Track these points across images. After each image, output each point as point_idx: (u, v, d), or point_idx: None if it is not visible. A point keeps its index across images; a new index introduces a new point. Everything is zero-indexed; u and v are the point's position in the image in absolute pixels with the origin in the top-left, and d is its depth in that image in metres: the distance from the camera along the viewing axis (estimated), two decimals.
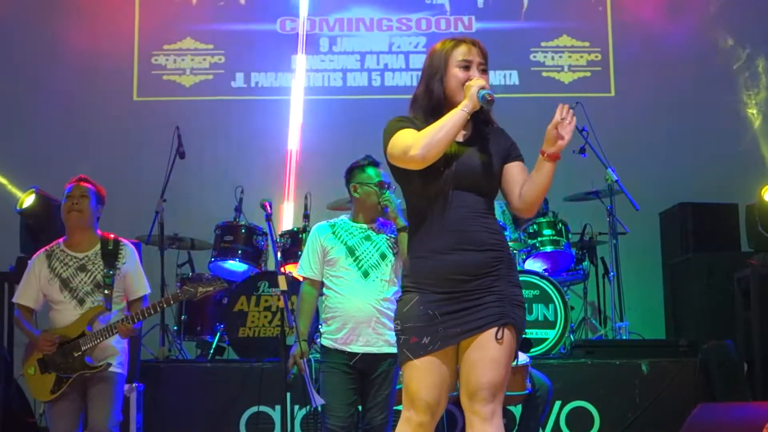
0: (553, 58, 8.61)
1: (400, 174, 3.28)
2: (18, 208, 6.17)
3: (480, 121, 3.32)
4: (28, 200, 6.15)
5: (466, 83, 3.22)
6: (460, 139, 3.28)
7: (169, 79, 8.57)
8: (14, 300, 4.83)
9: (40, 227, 6.13)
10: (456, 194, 3.20)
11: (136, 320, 4.57)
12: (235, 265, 6.69)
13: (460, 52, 3.27)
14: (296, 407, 5.68)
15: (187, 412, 5.75)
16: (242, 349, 6.21)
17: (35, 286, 4.73)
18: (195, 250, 7.14)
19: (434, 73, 3.29)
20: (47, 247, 4.81)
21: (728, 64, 8.48)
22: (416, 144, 3.15)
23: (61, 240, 4.82)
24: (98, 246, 4.74)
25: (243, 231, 6.67)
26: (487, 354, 3.12)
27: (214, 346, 6.47)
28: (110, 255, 4.71)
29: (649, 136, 8.33)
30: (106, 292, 4.64)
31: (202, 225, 7.11)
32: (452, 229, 3.17)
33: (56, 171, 7.85)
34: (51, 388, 4.55)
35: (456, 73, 3.25)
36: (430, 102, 3.28)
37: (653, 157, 8.22)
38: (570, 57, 8.62)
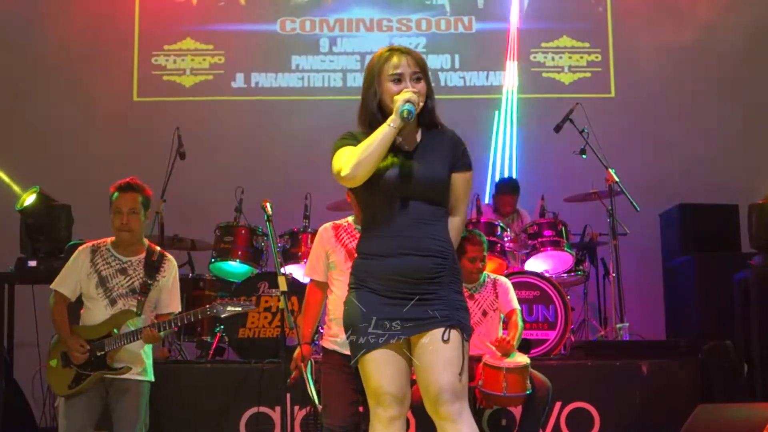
0: (553, 59, 8.61)
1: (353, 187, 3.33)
2: (19, 206, 6.16)
3: (428, 125, 3.34)
4: (29, 199, 6.14)
5: (394, 97, 3.23)
6: (406, 146, 3.30)
7: (169, 79, 8.58)
8: (53, 286, 4.77)
9: (40, 227, 6.12)
10: (401, 203, 3.23)
11: (162, 327, 4.58)
12: (235, 266, 6.70)
13: (392, 65, 3.27)
14: (296, 408, 5.67)
15: (187, 413, 5.74)
16: (242, 350, 6.20)
17: (76, 276, 4.72)
18: (195, 251, 7.14)
19: (368, 87, 3.32)
20: (94, 242, 4.82)
21: (728, 64, 8.48)
22: (346, 164, 3.21)
23: (109, 239, 4.82)
24: (144, 254, 4.77)
25: (243, 232, 6.67)
26: (439, 356, 3.15)
27: (214, 346, 6.47)
28: (152, 266, 4.74)
29: (649, 136, 8.33)
30: (140, 298, 4.66)
31: (202, 225, 7.10)
32: (396, 235, 3.22)
33: (57, 171, 7.87)
34: (69, 384, 4.57)
35: (389, 87, 3.26)
36: (366, 116, 3.31)
37: (653, 157, 8.22)
38: (570, 58, 8.62)
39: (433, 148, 3.30)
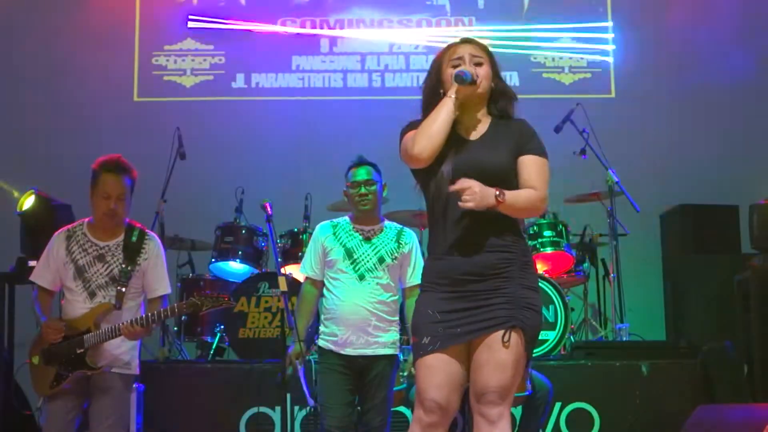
0: (553, 60, 8.61)
1: (417, 178, 3.32)
2: (18, 210, 6.14)
3: (497, 116, 3.32)
4: (27, 202, 6.13)
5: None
6: (470, 136, 3.27)
7: (169, 79, 8.57)
8: (31, 278, 4.53)
9: (40, 228, 6.11)
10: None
11: (140, 324, 4.27)
12: (236, 266, 6.70)
13: (452, 52, 3.31)
14: (296, 408, 5.67)
15: (187, 413, 5.74)
16: (242, 350, 6.21)
17: (52, 266, 4.44)
18: (195, 251, 7.14)
19: (430, 77, 3.35)
20: (69, 226, 4.51)
21: (728, 63, 8.48)
22: (414, 140, 3.18)
23: (85, 221, 4.50)
24: (122, 236, 4.42)
25: (243, 232, 6.68)
26: (494, 357, 3.12)
27: (214, 346, 6.47)
28: (132, 248, 4.40)
29: (650, 137, 8.33)
30: (120, 289, 4.36)
31: (202, 226, 7.10)
32: (457, 231, 3.18)
33: (56, 171, 7.87)
34: (50, 383, 4.33)
35: (449, 72, 3.28)
36: (430, 108, 3.28)
37: (653, 158, 8.22)
38: (570, 58, 8.61)
39: (499, 137, 3.24)
